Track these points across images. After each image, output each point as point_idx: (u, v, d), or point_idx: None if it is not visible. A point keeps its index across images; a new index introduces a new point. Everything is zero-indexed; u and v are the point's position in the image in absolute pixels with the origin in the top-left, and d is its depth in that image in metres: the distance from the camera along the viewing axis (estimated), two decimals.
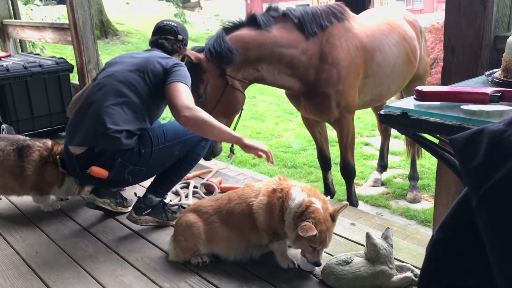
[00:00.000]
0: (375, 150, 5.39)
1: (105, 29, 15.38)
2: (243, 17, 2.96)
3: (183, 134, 2.47)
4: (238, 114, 3.01)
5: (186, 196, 2.95)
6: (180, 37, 2.61)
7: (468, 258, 0.95)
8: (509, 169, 0.77)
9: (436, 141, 1.81)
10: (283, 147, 5.90)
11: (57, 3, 14.05)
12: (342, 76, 2.94)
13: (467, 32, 2.13)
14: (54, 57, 4.65)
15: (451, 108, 1.53)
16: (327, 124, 3.51)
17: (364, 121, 6.69)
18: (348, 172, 3.38)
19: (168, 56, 2.52)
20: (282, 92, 3.70)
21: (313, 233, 1.87)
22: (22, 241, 2.52)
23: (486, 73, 1.82)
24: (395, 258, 2.02)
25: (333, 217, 2.01)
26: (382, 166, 4.52)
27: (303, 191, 2.04)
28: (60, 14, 11.59)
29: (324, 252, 2.13)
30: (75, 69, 4.50)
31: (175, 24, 2.64)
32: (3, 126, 4.05)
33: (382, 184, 4.56)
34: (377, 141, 5.23)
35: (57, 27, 4.71)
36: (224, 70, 2.78)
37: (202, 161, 3.12)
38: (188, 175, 3.17)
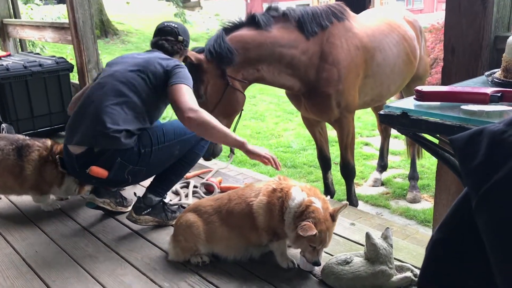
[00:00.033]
0: (375, 150, 5.40)
1: (105, 29, 15.38)
2: (243, 16, 2.96)
3: (182, 133, 2.47)
4: (238, 115, 3.01)
5: (186, 196, 2.95)
6: (180, 38, 2.61)
7: (468, 258, 0.95)
8: (509, 169, 0.77)
9: (436, 141, 1.81)
10: (283, 147, 5.90)
11: (57, 2, 14.05)
12: (343, 76, 2.94)
13: (467, 32, 2.13)
14: (54, 56, 4.65)
15: (451, 108, 1.53)
16: (327, 124, 3.51)
17: (364, 121, 6.69)
18: (348, 172, 3.38)
19: (169, 57, 2.53)
20: (282, 92, 3.70)
21: (313, 232, 1.87)
22: (22, 240, 2.52)
23: (486, 73, 1.82)
24: (394, 258, 2.02)
25: (333, 216, 2.01)
26: (382, 166, 4.52)
27: (303, 190, 2.04)
28: (60, 13, 11.59)
29: (324, 252, 2.13)
30: (75, 68, 4.50)
31: (176, 25, 2.65)
32: (3, 125, 4.05)
33: (382, 184, 4.56)
34: (377, 141, 5.23)
35: (57, 27, 4.71)
36: (224, 71, 2.78)
37: (202, 161, 3.12)
38: (188, 174, 3.17)
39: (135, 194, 2.61)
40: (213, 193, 2.97)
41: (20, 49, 5.61)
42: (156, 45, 2.62)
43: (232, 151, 2.98)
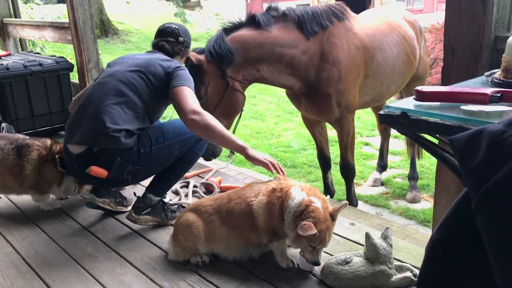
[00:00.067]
0: (375, 150, 5.40)
1: (105, 28, 15.38)
2: (243, 16, 2.96)
3: (182, 133, 2.47)
4: (239, 115, 3.01)
5: (186, 195, 2.95)
6: (181, 39, 2.61)
7: (468, 258, 0.95)
8: (509, 169, 0.77)
9: (435, 141, 1.81)
10: (283, 146, 5.90)
11: (57, 2, 14.06)
12: (343, 76, 2.94)
13: (467, 32, 2.13)
14: (54, 56, 4.65)
15: (451, 109, 1.53)
16: (327, 124, 3.51)
17: (364, 121, 6.69)
18: (348, 171, 3.38)
19: (169, 58, 2.53)
20: (282, 91, 3.70)
21: (313, 232, 1.87)
22: (22, 240, 2.52)
23: (486, 73, 1.82)
24: (394, 258, 2.02)
25: (332, 216, 2.01)
26: (382, 166, 4.52)
27: (303, 190, 2.05)
28: (60, 13, 11.60)
29: (324, 251, 2.13)
30: (75, 68, 4.50)
31: (177, 27, 2.65)
32: (3, 125, 4.05)
33: (382, 184, 4.56)
34: (377, 141, 5.23)
35: (57, 26, 4.71)
36: (225, 72, 2.78)
37: (201, 160, 3.12)
38: (187, 174, 3.17)
39: (134, 194, 2.61)
40: (213, 193, 2.97)
41: (20, 49, 5.61)
42: (156, 46, 2.62)
43: (232, 151, 2.98)
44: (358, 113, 5.62)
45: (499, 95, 1.51)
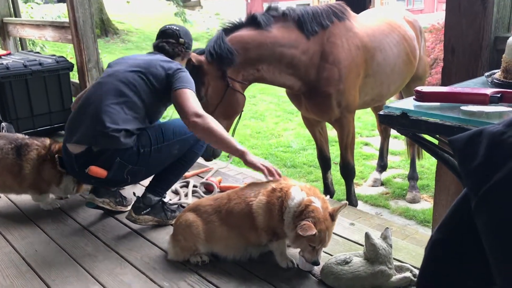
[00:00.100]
0: (375, 150, 5.40)
1: (106, 28, 15.38)
2: (243, 16, 2.96)
3: (182, 133, 2.47)
4: (239, 115, 3.01)
5: (186, 195, 2.95)
6: (182, 40, 2.61)
7: (467, 258, 0.95)
8: (508, 170, 0.77)
9: (436, 141, 1.81)
10: (283, 146, 5.90)
11: (57, 1, 14.06)
12: (343, 76, 2.94)
13: (467, 32, 2.13)
14: (54, 55, 4.65)
15: (451, 109, 1.53)
16: (327, 124, 3.51)
17: (364, 121, 6.69)
18: (347, 172, 3.38)
19: (170, 60, 2.53)
20: (282, 91, 3.70)
21: (313, 232, 1.87)
22: (22, 239, 2.52)
23: (486, 74, 1.82)
24: (394, 258, 2.02)
25: (332, 216, 2.01)
26: (382, 166, 4.52)
27: (303, 190, 2.05)
28: (60, 12, 11.60)
29: (323, 251, 2.14)
30: (75, 67, 4.50)
31: (178, 28, 2.65)
32: (3, 124, 4.05)
33: (382, 184, 4.56)
34: (376, 141, 5.23)
35: (57, 26, 4.71)
36: (225, 72, 2.78)
37: (201, 160, 3.12)
38: (187, 173, 3.17)
39: (134, 194, 2.61)
40: (213, 193, 2.97)
41: (20, 48, 5.61)
42: (157, 47, 2.63)
43: None
44: (358, 113, 5.62)
45: (499, 95, 1.51)
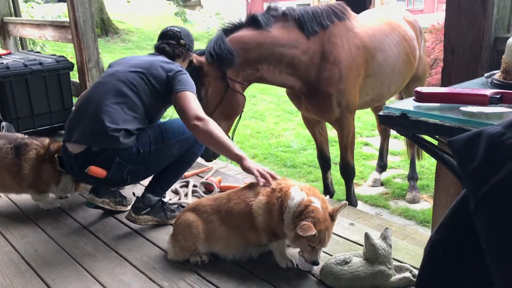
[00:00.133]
0: (375, 150, 5.40)
1: (106, 27, 15.38)
2: (243, 16, 2.96)
3: (181, 133, 2.47)
4: (239, 116, 3.01)
5: (186, 195, 2.95)
6: (182, 42, 2.62)
7: (467, 259, 0.95)
8: (507, 171, 0.77)
9: (435, 142, 1.81)
10: (282, 146, 5.90)
11: (57, 1, 14.06)
12: (344, 76, 2.94)
13: (467, 33, 2.13)
14: (54, 55, 4.65)
15: (451, 110, 1.53)
16: (327, 124, 3.51)
17: (364, 121, 6.69)
18: (347, 172, 3.38)
19: (171, 61, 2.53)
20: (282, 91, 3.70)
21: (312, 232, 1.88)
22: (21, 238, 2.52)
23: (486, 74, 1.82)
24: (393, 258, 2.02)
25: (332, 216, 2.01)
26: (382, 166, 4.52)
27: (302, 190, 2.05)
28: (60, 12, 11.61)
29: (323, 251, 2.14)
30: (75, 67, 4.50)
31: (178, 30, 2.66)
32: (3, 124, 4.05)
33: (382, 184, 4.56)
34: (376, 141, 5.23)
35: (57, 25, 4.71)
36: (225, 73, 2.78)
37: (201, 160, 3.12)
38: (187, 173, 3.18)
39: (133, 194, 2.62)
40: (213, 192, 2.97)
41: (20, 48, 5.61)
42: (158, 48, 2.63)
43: None
44: (358, 113, 5.62)
45: (498, 96, 1.51)
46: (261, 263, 2.18)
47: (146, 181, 2.64)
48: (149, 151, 2.40)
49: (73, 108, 2.83)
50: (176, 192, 3.02)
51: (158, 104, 2.51)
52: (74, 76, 4.82)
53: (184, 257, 2.22)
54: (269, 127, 6.80)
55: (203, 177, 3.24)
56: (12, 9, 5.46)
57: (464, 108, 1.51)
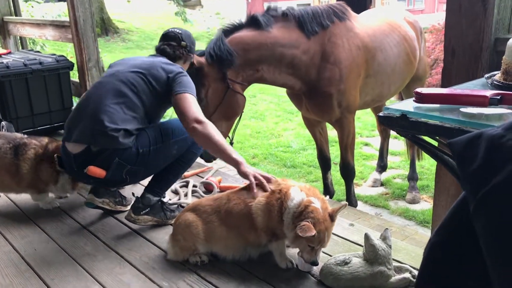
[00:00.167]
0: (375, 151, 5.40)
1: (106, 27, 15.39)
2: (244, 15, 2.96)
3: (180, 133, 2.47)
4: (239, 116, 3.01)
5: (185, 195, 2.95)
6: (183, 43, 2.61)
7: (466, 261, 0.95)
8: (507, 173, 0.77)
9: (435, 143, 1.81)
10: (282, 146, 5.90)
11: (57, 0, 14.04)
12: (344, 76, 2.94)
13: (467, 33, 2.13)
14: (54, 54, 4.65)
15: (451, 111, 1.53)
16: (327, 124, 3.51)
17: (364, 121, 6.69)
18: (347, 172, 3.38)
19: (172, 63, 2.53)
20: (282, 91, 3.70)
21: (312, 233, 1.87)
22: (21, 238, 2.52)
23: (486, 75, 1.82)
24: (393, 259, 2.02)
25: (332, 217, 2.01)
26: (382, 166, 4.52)
27: (302, 190, 2.05)
28: (60, 11, 11.61)
29: (323, 252, 2.14)
30: (75, 66, 4.50)
31: (180, 31, 2.66)
32: (3, 123, 4.05)
33: (382, 185, 4.56)
34: (376, 141, 5.23)
35: (57, 25, 4.70)
36: (225, 74, 2.78)
37: (201, 160, 3.12)
38: (186, 173, 3.18)
39: (133, 194, 2.62)
40: (212, 192, 2.97)
41: (20, 47, 5.60)
42: (159, 50, 2.63)
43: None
44: (358, 113, 5.62)
45: (498, 97, 1.50)
46: (260, 264, 2.18)
47: (145, 181, 2.64)
48: (149, 151, 2.40)
49: (73, 107, 2.81)
50: (176, 192, 3.02)
51: (158, 105, 2.51)
52: (74, 76, 4.82)
53: (184, 257, 2.22)
54: (269, 127, 6.80)
55: (203, 177, 3.24)
56: (12, 8, 5.45)
57: (464, 109, 1.51)
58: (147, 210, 2.50)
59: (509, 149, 0.80)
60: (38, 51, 5.20)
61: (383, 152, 4.45)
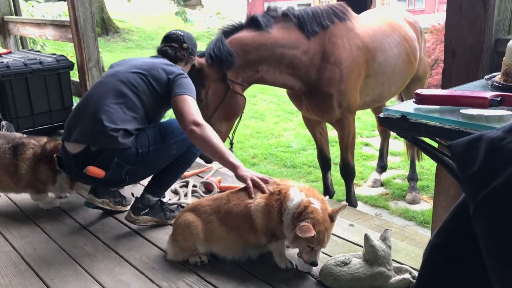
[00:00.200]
0: (375, 151, 5.40)
1: (106, 27, 15.39)
2: (244, 15, 2.96)
3: (180, 133, 2.47)
4: (239, 117, 3.01)
5: (185, 195, 2.95)
6: (185, 45, 2.62)
7: (466, 263, 0.95)
8: (507, 176, 0.77)
9: (435, 144, 1.81)
10: (282, 146, 5.89)
11: (58, 0, 14.04)
12: (345, 76, 2.94)
13: (467, 34, 2.13)
14: (54, 54, 4.64)
15: (451, 112, 1.53)
16: (327, 124, 3.51)
17: (364, 121, 6.69)
18: (347, 172, 3.38)
19: (173, 64, 2.53)
20: (282, 91, 3.70)
21: (311, 234, 1.87)
22: (21, 238, 2.52)
23: (486, 76, 1.82)
24: (393, 260, 2.02)
25: (331, 217, 2.01)
26: (382, 166, 4.52)
27: (302, 191, 2.04)
28: (61, 11, 11.61)
29: (322, 252, 2.14)
30: (75, 66, 4.50)
31: (182, 33, 2.66)
32: (3, 123, 4.05)
33: (382, 185, 4.56)
34: (376, 141, 5.23)
35: (58, 24, 4.71)
36: (225, 75, 2.78)
37: (201, 160, 3.12)
38: (186, 173, 3.18)
39: (132, 194, 2.61)
40: (212, 192, 2.97)
41: (20, 47, 5.60)
42: (160, 51, 2.64)
43: (231, 147, 2.99)
44: (358, 113, 5.61)
45: (499, 99, 1.51)
46: (260, 264, 2.18)
47: (145, 181, 2.64)
48: (148, 151, 2.40)
49: (73, 107, 2.82)
50: (175, 192, 3.02)
51: (158, 106, 2.51)
52: (74, 75, 4.82)
53: (184, 257, 2.22)
54: (269, 127, 6.80)
55: (202, 177, 3.24)
56: (13, 8, 5.46)
57: (464, 111, 1.51)
58: (146, 210, 2.50)
59: (509, 152, 0.79)
60: (38, 51, 5.21)
61: (383, 152, 4.45)
